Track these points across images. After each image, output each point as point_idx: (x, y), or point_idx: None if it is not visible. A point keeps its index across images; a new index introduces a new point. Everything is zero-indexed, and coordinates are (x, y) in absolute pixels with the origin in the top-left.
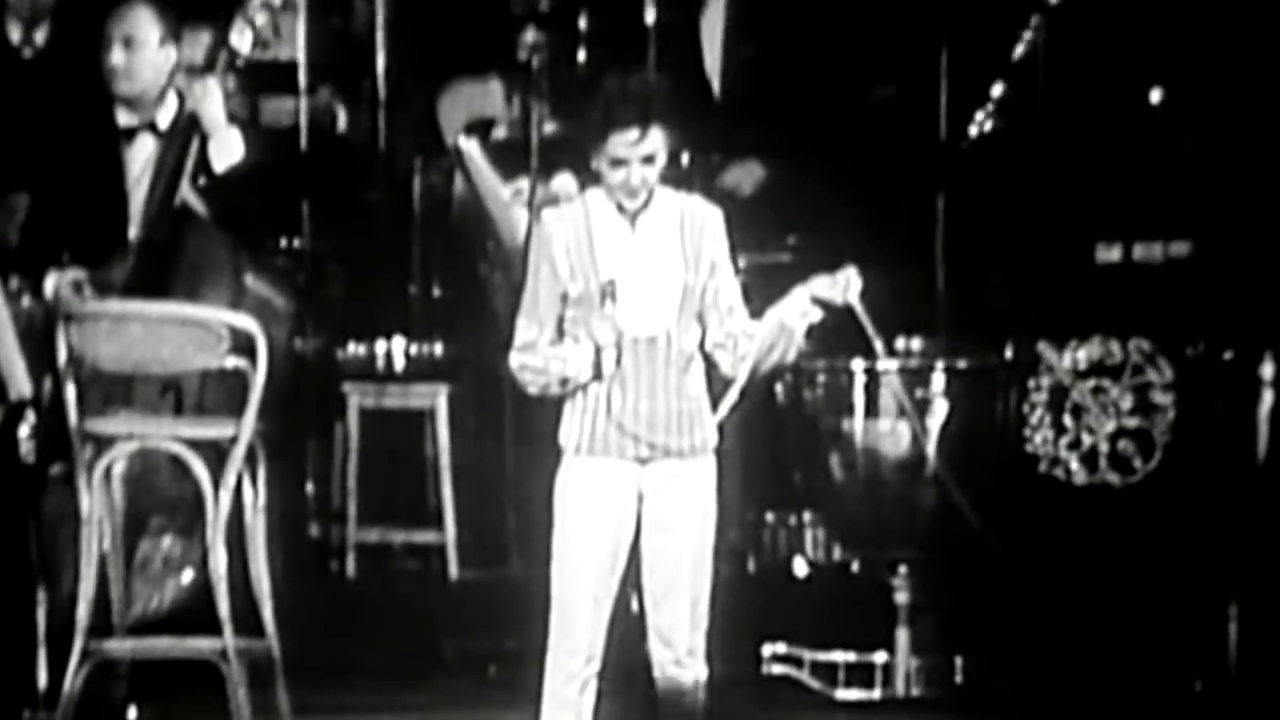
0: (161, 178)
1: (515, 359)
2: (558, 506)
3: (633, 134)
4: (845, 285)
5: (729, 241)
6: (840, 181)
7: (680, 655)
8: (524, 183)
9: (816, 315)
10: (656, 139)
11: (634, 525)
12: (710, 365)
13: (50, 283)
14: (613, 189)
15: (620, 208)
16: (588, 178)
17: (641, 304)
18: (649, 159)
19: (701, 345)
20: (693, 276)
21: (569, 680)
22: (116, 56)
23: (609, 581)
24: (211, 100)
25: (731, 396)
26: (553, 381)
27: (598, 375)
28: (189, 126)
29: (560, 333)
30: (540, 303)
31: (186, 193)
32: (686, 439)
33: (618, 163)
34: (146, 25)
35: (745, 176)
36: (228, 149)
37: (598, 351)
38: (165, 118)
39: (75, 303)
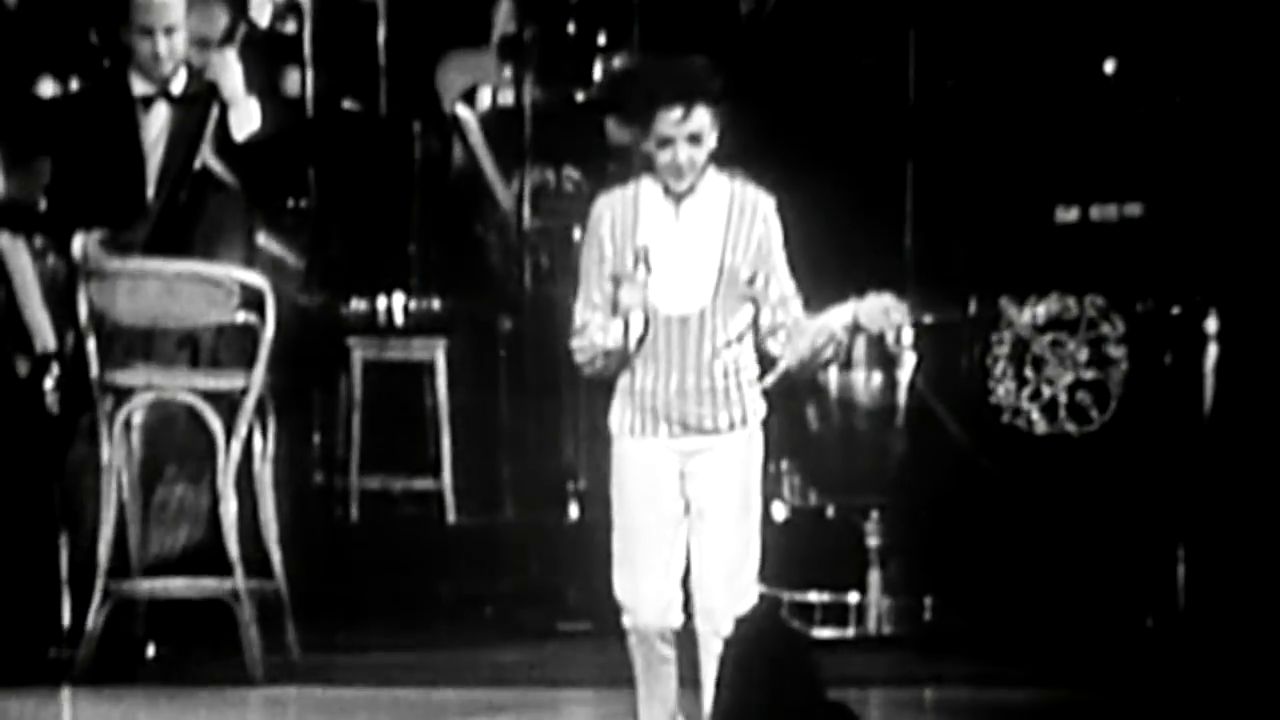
0: (180, 143)
1: (573, 343)
2: (614, 488)
3: (676, 113)
4: (891, 321)
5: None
6: (816, 147)
7: (719, 627)
8: None
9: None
10: (702, 118)
11: (683, 500)
12: (761, 353)
13: (78, 243)
14: (661, 170)
15: (667, 189)
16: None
17: (676, 284)
18: (695, 138)
19: (756, 334)
20: (731, 258)
21: (649, 640)
22: (160, 45)
23: (668, 552)
24: (231, 72)
25: (767, 381)
26: (598, 355)
27: (630, 343)
28: (208, 95)
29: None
30: (592, 284)
31: (206, 157)
32: (719, 418)
33: (664, 142)
34: (180, 9)
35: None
36: (247, 118)
37: (627, 317)
38: (178, 86)
39: (101, 257)
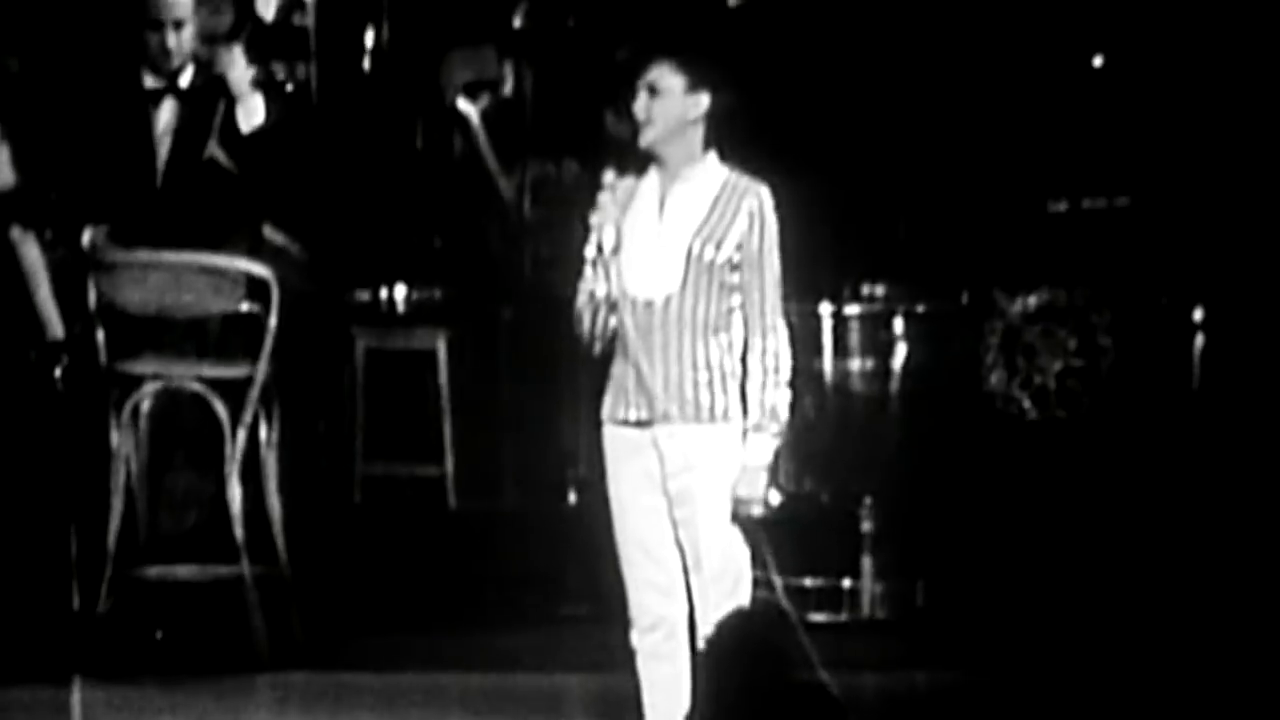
0: (187, 136)
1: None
2: (607, 473)
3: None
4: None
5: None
6: (810, 138)
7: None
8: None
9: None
10: (663, 70)
11: (664, 489)
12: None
13: (87, 234)
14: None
15: (661, 174)
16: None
17: (645, 268)
18: (653, 89)
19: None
20: (701, 245)
21: (649, 632)
22: (169, 39)
23: (653, 542)
24: (238, 66)
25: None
26: (585, 332)
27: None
28: (215, 89)
29: None
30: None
31: (213, 149)
32: (687, 407)
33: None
34: (188, 4)
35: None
36: (253, 111)
37: (607, 294)
38: (186, 80)
39: (109, 248)
